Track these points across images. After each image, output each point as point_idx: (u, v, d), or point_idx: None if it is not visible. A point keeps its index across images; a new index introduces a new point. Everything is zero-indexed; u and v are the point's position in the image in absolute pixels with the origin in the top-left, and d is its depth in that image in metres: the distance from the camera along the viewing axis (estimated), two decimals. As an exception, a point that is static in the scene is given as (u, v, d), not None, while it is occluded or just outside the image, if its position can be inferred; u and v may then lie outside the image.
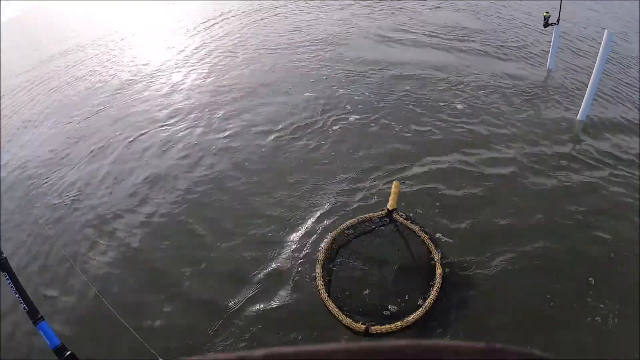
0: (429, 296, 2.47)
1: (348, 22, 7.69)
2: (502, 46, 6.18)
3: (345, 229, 3.01)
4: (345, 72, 5.55)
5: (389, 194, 3.14)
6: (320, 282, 2.62)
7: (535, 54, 5.89)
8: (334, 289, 2.64)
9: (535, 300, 2.47)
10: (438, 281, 2.51)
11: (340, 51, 6.28)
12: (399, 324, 2.35)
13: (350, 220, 3.06)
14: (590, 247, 2.78)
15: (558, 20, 4.85)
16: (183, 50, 7.66)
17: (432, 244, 2.74)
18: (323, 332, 2.42)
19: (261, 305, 2.61)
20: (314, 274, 2.71)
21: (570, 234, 2.89)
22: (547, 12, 4.93)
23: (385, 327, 2.34)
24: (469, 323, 2.39)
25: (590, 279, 2.56)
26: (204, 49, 7.53)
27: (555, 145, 3.85)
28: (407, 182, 3.46)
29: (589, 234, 2.89)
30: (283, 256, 2.95)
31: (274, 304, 2.62)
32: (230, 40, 7.70)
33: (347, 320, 2.40)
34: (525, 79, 5.13)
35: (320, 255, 2.81)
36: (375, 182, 3.54)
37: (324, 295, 2.55)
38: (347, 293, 2.62)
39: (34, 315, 1.82)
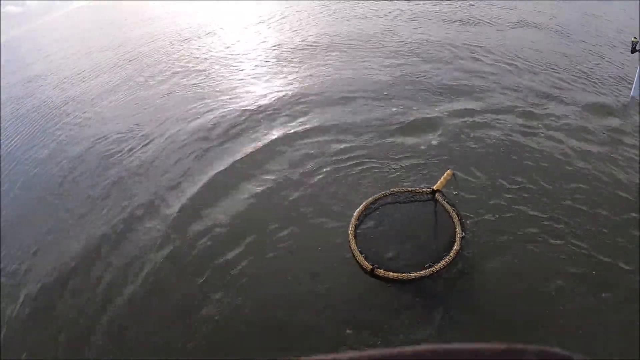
0: (436, 263, 2.78)
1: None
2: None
3: (388, 194, 3.47)
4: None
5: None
6: (351, 227, 3.16)
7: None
8: (361, 237, 3.13)
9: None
10: (451, 255, 2.82)
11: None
12: (402, 275, 2.72)
13: (397, 188, 3.54)
14: None
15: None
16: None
17: (459, 225, 3.04)
18: (338, 266, 2.99)
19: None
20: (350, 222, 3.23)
21: None
22: (635, 38, 4.74)
23: (390, 274, 2.74)
24: (465, 299, 2.76)
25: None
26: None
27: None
28: None
29: None
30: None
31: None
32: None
33: (360, 257, 2.90)
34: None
35: (359, 209, 3.33)
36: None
37: (351, 234, 3.09)
38: (371, 238, 3.12)
39: None
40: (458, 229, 2.98)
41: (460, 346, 0.35)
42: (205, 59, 8.83)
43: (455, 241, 2.90)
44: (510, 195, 3.59)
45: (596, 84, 5.74)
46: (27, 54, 13.89)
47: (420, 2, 10.61)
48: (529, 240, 3.11)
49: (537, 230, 3.20)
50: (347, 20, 9.95)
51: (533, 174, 3.85)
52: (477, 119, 4.89)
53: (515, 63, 6.49)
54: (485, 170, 3.94)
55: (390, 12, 9.96)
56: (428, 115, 5.04)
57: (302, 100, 5.86)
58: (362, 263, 2.87)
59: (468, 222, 3.26)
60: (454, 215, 3.10)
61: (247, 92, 6.63)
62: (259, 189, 4.09)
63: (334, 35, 8.75)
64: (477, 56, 6.83)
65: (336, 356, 0.38)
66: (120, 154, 5.38)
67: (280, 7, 12.52)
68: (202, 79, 7.57)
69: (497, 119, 4.85)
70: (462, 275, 2.84)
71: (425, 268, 2.77)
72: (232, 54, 8.81)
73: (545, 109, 5.06)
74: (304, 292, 2.95)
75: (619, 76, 5.94)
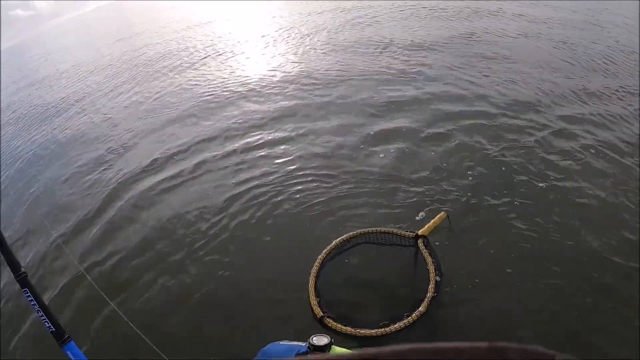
0: (393, 324, 2.37)
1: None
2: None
3: (367, 233, 3.09)
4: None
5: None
6: (316, 266, 2.84)
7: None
8: (324, 279, 2.79)
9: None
10: (410, 319, 2.38)
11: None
12: (350, 330, 2.37)
13: (374, 228, 3.12)
14: None
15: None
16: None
17: (434, 282, 2.59)
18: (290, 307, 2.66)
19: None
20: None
21: None
22: None
23: (338, 326, 2.40)
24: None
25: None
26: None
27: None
28: None
29: None
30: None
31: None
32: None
33: (314, 302, 2.57)
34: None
35: (331, 245, 2.99)
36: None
37: (312, 277, 2.77)
38: (335, 287, 2.76)
39: (60, 336, 1.68)
40: (431, 287, 2.54)
41: (442, 345, 0.34)
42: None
43: (422, 300, 2.47)
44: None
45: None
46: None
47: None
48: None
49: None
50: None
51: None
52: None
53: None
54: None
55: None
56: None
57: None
58: (313, 308, 2.52)
59: (445, 279, 2.72)
60: (431, 269, 2.66)
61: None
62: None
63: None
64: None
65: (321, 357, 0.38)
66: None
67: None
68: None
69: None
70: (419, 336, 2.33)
71: (382, 326, 2.38)
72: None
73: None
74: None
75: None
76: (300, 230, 3.46)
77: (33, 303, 1.77)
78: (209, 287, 3.06)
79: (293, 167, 4.37)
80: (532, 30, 7.82)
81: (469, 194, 3.55)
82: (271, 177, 4.25)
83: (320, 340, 1.55)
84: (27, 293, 1.75)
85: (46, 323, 1.72)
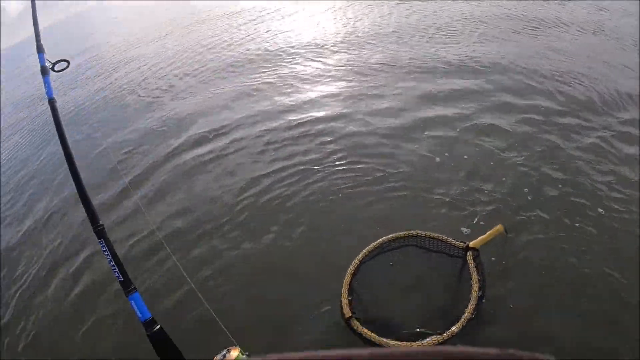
0: (421, 339, 2.28)
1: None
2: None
3: (414, 235, 2.92)
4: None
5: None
6: (353, 265, 2.77)
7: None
8: (361, 277, 2.77)
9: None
10: (440, 338, 2.22)
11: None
12: (374, 336, 2.31)
13: (423, 232, 2.94)
14: None
15: None
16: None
17: (473, 303, 2.42)
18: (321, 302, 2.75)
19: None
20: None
21: None
22: None
23: (364, 330, 2.35)
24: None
25: None
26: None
27: None
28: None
29: None
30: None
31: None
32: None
33: (345, 301, 2.51)
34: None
35: (374, 243, 2.89)
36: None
37: (349, 274, 2.72)
38: (370, 288, 2.73)
39: (127, 285, 1.87)
40: (470, 306, 2.37)
41: (452, 349, 0.35)
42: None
43: (459, 319, 2.32)
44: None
45: None
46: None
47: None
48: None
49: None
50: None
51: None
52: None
53: None
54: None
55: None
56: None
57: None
58: (343, 307, 2.49)
59: (487, 299, 2.56)
60: (475, 287, 2.48)
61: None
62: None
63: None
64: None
65: (326, 353, 0.38)
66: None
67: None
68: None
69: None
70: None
71: (409, 339, 2.32)
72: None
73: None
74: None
75: None
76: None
77: (107, 253, 1.98)
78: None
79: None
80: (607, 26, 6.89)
81: (525, 207, 3.33)
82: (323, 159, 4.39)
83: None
84: (103, 244, 1.97)
85: (115, 273, 1.89)
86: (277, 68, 7.44)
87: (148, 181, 4.77)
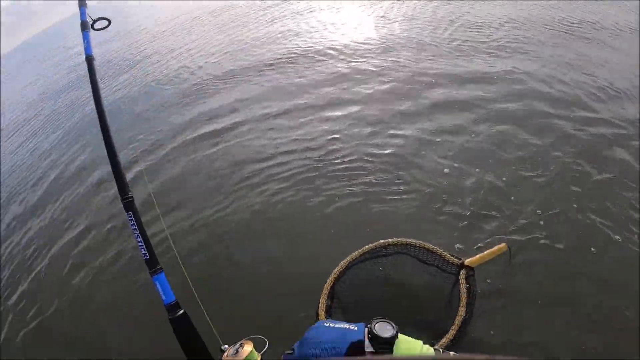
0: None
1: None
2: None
3: (406, 244, 2.77)
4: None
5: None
6: (338, 269, 2.67)
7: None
8: (347, 280, 2.69)
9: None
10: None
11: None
12: None
13: (418, 242, 2.77)
14: None
15: None
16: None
17: (454, 329, 2.29)
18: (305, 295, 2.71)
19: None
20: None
21: None
22: None
23: None
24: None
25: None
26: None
27: None
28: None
29: None
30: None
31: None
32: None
33: (322, 306, 2.44)
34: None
35: (363, 248, 2.80)
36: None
37: (332, 278, 2.63)
38: (353, 293, 2.66)
39: (153, 265, 1.77)
40: (451, 331, 2.26)
41: (445, 357, 0.38)
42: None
43: (438, 342, 2.23)
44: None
45: None
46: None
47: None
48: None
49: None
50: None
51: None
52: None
53: None
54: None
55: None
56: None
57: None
58: (319, 312, 2.39)
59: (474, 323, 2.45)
60: (461, 312, 2.32)
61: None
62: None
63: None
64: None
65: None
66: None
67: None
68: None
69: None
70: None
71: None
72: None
73: None
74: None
75: None
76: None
77: (134, 227, 1.84)
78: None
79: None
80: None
81: (533, 228, 3.22)
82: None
83: (384, 329, 1.26)
84: (131, 217, 1.85)
85: (142, 250, 1.78)
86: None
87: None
